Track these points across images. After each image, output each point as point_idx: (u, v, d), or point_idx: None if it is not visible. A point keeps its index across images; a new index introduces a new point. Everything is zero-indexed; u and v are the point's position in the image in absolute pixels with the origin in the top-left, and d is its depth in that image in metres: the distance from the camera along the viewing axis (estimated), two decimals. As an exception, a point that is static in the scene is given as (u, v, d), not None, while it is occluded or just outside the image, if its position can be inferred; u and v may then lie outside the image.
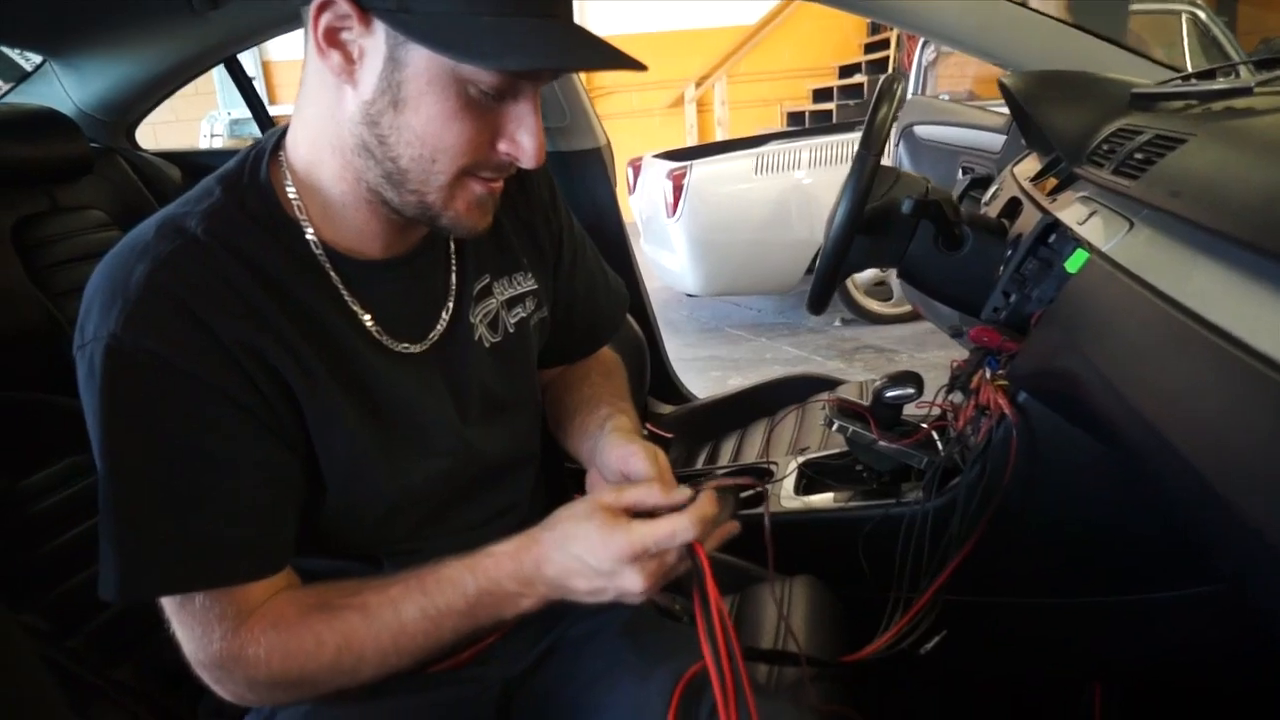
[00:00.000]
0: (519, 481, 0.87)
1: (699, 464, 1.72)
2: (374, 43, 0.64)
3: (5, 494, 1.03)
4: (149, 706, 0.82)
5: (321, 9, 0.63)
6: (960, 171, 2.32)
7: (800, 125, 7.55)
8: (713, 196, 4.11)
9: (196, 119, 7.61)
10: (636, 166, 4.81)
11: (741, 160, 4.19)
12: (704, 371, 3.90)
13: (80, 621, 0.95)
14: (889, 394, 1.10)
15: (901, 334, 4.13)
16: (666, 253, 4.36)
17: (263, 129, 2.30)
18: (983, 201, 1.64)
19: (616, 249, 1.98)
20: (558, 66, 0.70)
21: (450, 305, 0.81)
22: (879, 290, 4.38)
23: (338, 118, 0.68)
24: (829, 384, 1.85)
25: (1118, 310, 0.74)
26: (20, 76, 2.07)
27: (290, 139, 0.74)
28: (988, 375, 0.99)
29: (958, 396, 1.10)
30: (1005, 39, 1.54)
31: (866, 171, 1.19)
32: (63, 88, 1.98)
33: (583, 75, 2.13)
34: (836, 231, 1.21)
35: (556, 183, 0.96)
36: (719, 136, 7.99)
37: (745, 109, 8.38)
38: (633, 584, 0.66)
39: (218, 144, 7.56)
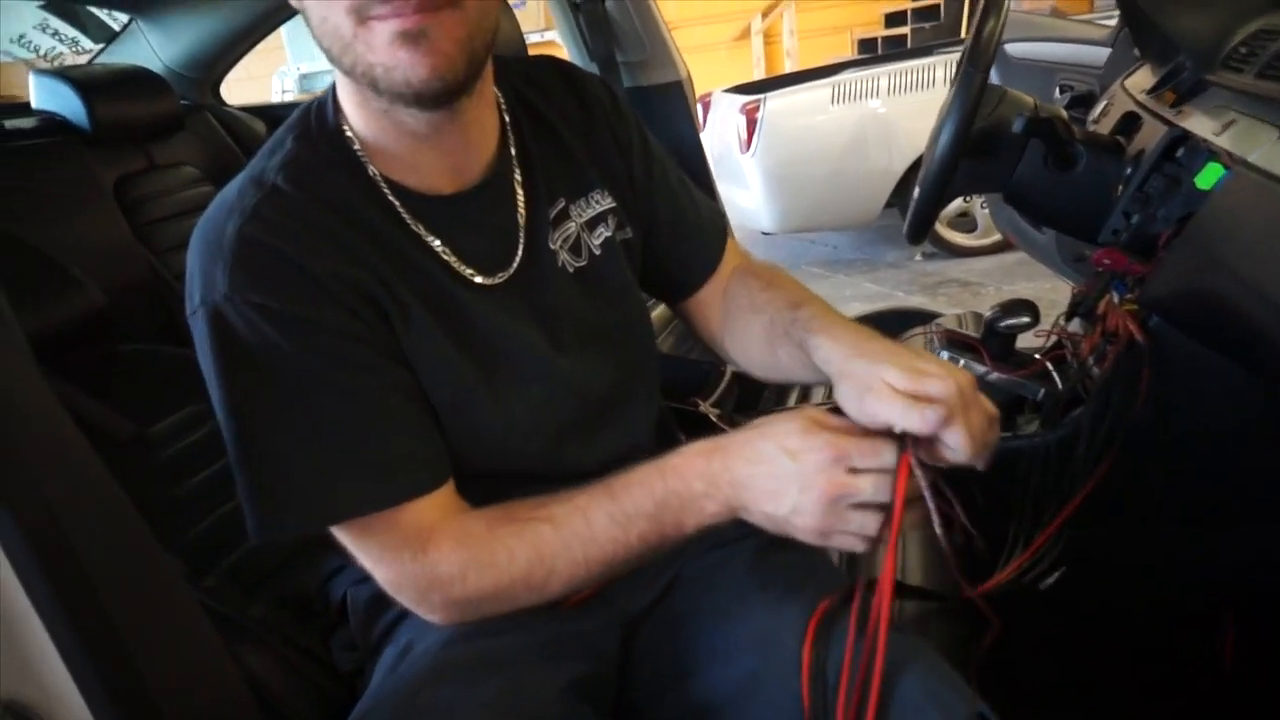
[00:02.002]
0: (636, 420, 0.85)
1: (791, 403, 1.70)
2: None
3: (136, 440, 1.07)
4: (285, 642, 0.85)
5: None
6: (1058, 89, 2.20)
7: (873, 52, 7.28)
8: (788, 129, 4.00)
9: (267, 75, 7.72)
10: (706, 103, 4.71)
11: (817, 90, 4.06)
12: (783, 310, 3.84)
13: (213, 562, 0.99)
14: (1003, 323, 1.06)
15: (986, 267, 3.99)
16: (740, 190, 4.28)
17: (341, 79, 2.31)
18: (1090, 120, 1.55)
19: (701, 186, 1.94)
20: None
21: (523, 235, 0.79)
22: (962, 222, 4.24)
23: None
24: (924, 317, 1.80)
25: (1274, 223, 0.69)
26: (110, 37, 2.11)
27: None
28: (1115, 300, 0.94)
29: (1075, 325, 1.06)
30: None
31: (974, 90, 1.13)
32: (150, 46, 2.01)
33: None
34: (941, 154, 1.16)
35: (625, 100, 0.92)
36: (788, 68, 7.77)
37: (814, 38, 8.11)
38: (813, 500, 0.62)
39: (289, 99, 7.68)
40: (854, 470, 0.62)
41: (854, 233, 4.92)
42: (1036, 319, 1.07)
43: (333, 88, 0.75)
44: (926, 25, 7.26)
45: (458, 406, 0.74)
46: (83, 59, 2.25)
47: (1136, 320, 0.90)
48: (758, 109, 3.97)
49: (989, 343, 1.08)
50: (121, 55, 2.05)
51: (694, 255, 0.96)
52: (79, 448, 0.54)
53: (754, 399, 1.52)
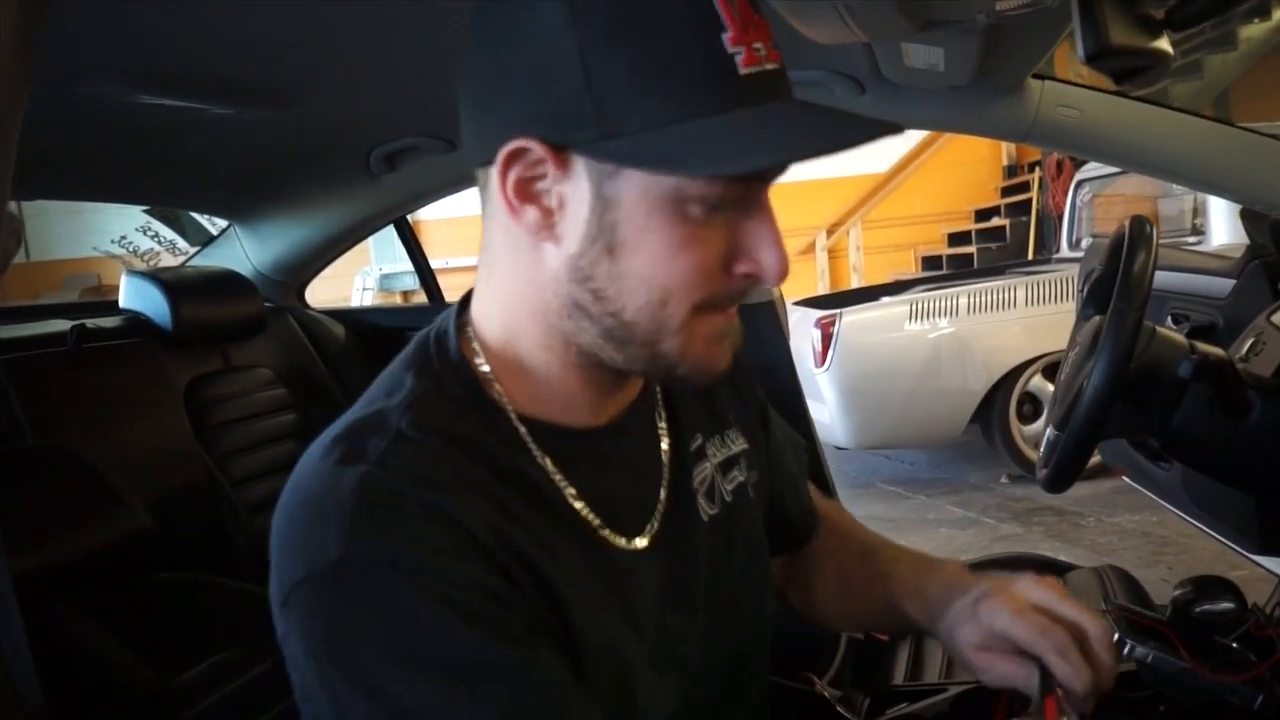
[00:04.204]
0: (750, 699, 0.73)
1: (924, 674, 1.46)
2: (575, 186, 0.55)
3: (156, 696, 0.92)
4: None
5: (510, 162, 0.55)
6: (1170, 318, 2.08)
7: (936, 269, 7.39)
8: (864, 345, 3.93)
9: (349, 273, 8.09)
10: (776, 314, 4.71)
11: (895, 307, 4.04)
12: (860, 532, 3.62)
13: None
14: (1200, 608, 0.87)
15: (1081, 494, 3.72)
16: (814, 404, 4.17)
17: (425, 286, 2.31)
18: (1236, 358, 1.41)
19: (791, 407, 1.82)
20: (804, 158, 0.53)
21: (667, 477, 0.70)
22: (1048, 443, 4.03)
23: (537, 281, 0.59)
24: (1052, 567, 1.59)
25: None
26: (206, 240, 2.15)
27: (478, 311, 0.65)
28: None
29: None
30: (1257, 175, 1.38)
31: (1128, 328, 1.02)
32: (243, 250, 2.04)
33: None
34: (1094, 397, 1.02)
35: None
36: (854, 283, 7.90)
37: (878, 254, 8.30)
38: None
39: (368, 297, 8.01)
40: None
41: (929, 450, 4.73)
42: (1244, 606, 0.88)
43: (450, 317, 0.66)
44: (992, 246, 7.37)
45: (607, 686, 0.59)
46: (178, 260, 2.30)
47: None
48: (833, 323, 3.93)
49: (1180, 628, 0.89)
50: (215, 258, 2.08)
51: (804, 514, 0.90)
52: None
53: (870, 671, 1.31)
